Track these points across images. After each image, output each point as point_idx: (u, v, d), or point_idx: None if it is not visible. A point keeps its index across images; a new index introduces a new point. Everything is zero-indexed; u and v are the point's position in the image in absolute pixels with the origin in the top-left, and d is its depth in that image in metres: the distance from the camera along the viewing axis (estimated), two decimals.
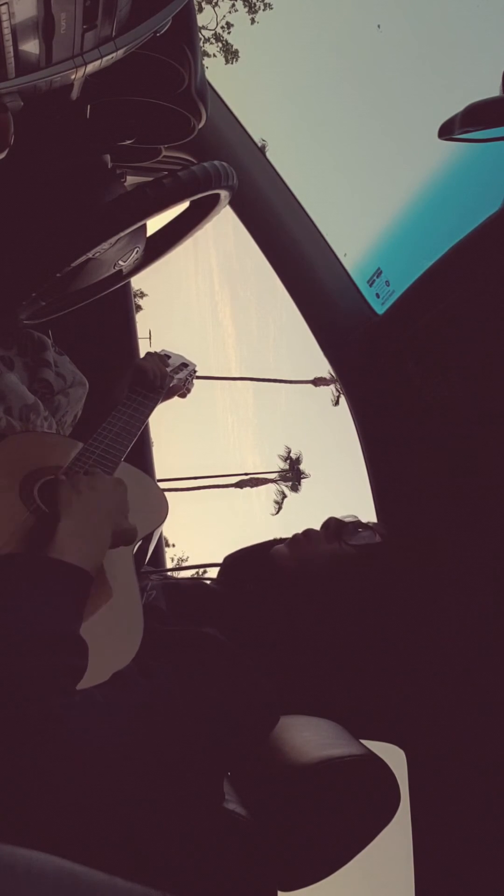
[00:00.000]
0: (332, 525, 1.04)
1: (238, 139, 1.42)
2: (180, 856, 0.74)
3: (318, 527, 1.06)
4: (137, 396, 1.19)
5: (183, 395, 1.42)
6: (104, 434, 1.06)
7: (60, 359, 1.27)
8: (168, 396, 1.36)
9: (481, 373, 1.04)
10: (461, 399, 1.09)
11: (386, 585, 0.99)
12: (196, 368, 1.43)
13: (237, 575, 1.07)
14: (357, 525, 1.04)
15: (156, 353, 1.35)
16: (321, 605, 0.97)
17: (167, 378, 1.27)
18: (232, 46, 12.83)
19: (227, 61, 12.93)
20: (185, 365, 1.39)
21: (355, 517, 1.07)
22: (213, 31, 12.52)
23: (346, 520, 1.05)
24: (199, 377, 1.46)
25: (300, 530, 1.06)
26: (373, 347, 1.30)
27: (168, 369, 1.33)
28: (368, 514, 1.30)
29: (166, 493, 1.12)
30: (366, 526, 1.05)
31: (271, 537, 1.09)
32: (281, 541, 1.06)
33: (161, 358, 1.32)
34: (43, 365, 1.22)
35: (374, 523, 1.08)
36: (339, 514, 1.07)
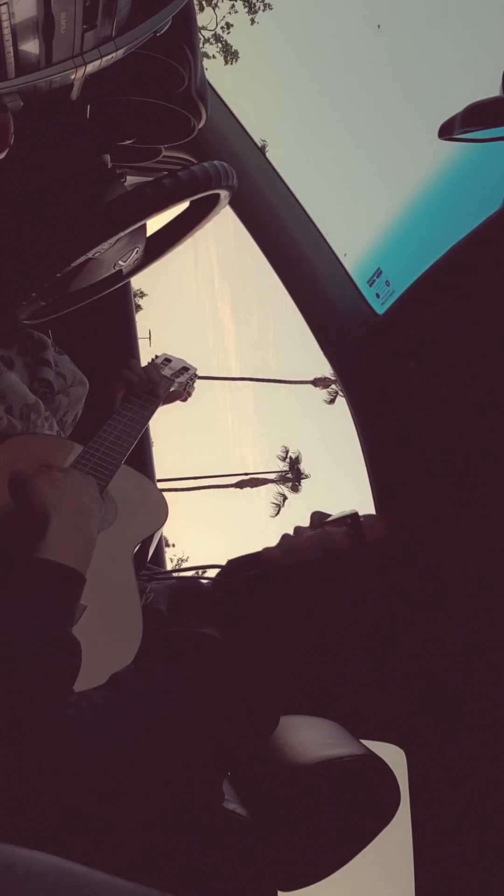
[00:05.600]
0: (316, 516, 1.08)
1: (238, 139, 1.42)
2: (181, 856, 0.74)
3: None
4: (136, 400, 1.19)
5: (184, 399, 1.42)
6: (104, 437, 1.06)
7: (60, 358, 1.27)
8: (169, 401, 1.35)
9: (481, 372, 1.04)
10: (461, 399, 1.09)
11: (380, 572, 1.00)
12: (197, 372, 1.42)
13: (233, 576, 1.07)
14: (341, 517, 1.06)
15: (151, 363, 1.35)
16: (314, 595, 0.97)
17: (160, 385, 1.25)
18: (232, 47, 12.82)
19: (226, 62, 12.92)
20: (185, 369, 1.39)
21: (354, 511, 1.07)
22: (212, 32, 12.52)
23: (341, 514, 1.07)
24: (199, 377, 1.46)
25: None
26: (373, 347, 1.30)
27: (169, 373, 1.32)
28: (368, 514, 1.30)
29: (166, 494, 1.12)
30: (351, 516, 1.05)
31: (273, 539, 1.10)
32: None
33: (155, 366, 1.31)
34: (43, 364, 1.22)
35: (365, 515, 1.08)
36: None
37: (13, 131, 0.78)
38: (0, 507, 0.86)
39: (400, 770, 0.98)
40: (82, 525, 0.79)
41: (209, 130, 1.22)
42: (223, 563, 1.12)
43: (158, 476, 1.91)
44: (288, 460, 17.74)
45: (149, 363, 1.35)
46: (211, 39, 12.53)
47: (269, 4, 12.63)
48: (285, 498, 17.69)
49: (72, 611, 0.71)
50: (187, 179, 0.97)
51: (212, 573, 1.11)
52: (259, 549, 1.08)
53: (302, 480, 17.74)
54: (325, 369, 15.79)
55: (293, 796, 0.84)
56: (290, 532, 1.08)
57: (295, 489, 17.75)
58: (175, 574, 1.27)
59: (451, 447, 1.12)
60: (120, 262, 1.13)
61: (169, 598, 0.97)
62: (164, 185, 0.95)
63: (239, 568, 1.08)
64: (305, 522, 1.09)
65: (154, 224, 1.17)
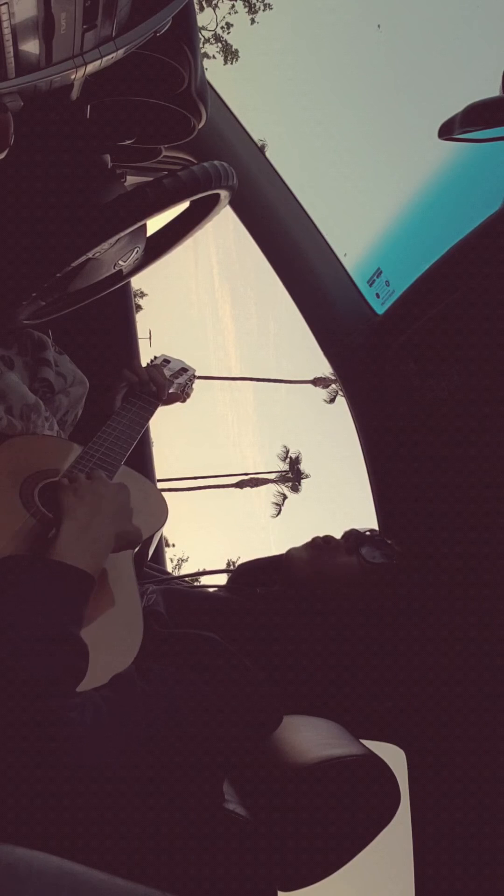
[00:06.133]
0: (352, 537, 1.05)
1: (238, 139, 1.42)
2: (181, 856, 0.74)
3: (326, 531, 1.07)
4: (136, 401, 1.19)
5: (183, 401, 1.42)
6: (104, 437, 1.05)
7: (60, 358, 1.27)
8: (168, 402, 1.35)
9: (481, 372, 1.04)
10: (461, 399, 1.09)
11: (394, 601, 1.00)
12: (195, 373, 1.42)
13: (248, 580, 1.08)
14: (375, 541, 1.05)
15: (150, 363, 1.35)
16: (328, 613, 0.97)
17: (163, 387, 1.25)
18: (232, 47, 12.82)
19: (226, 62, 12.92)
20: (184, 370, 1.39)
21: (375, 531, 1.07)
22: (212, 32, 12.52)
23: (366, 533, 1.06)
24: (199, 377, 1.46)
25: (307, 534, 1.07)
26: (373, 347, 1.30)
27: (168, 374, 1.32)
28: (368, 514, 1.31)
29: (166, 494, 1.12)
30: (383, 543, 1.05)
31: (273, 538, 1.10)
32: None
33: (157, 367, 1.31)
34: (43, 364, 1.22)
35: (390, 541, 1.07)
36: (339, 517, 1.08)
37: (13, 131, 0.78)
38: (5, 508, 0.86)
39: (400, 770, 0.98)
40: (94, 528, 0.79)
41: (209, 130, 1.22)
42: (223, 565, 1.12)
43: (158, 476, 1.91)
44: (288, 460, 17.75)
45: (149, 364, 1.35)
46: (211, 39, 12.53)
47: (269, 4, 12.62)
48: (285, 498, 17.70)
49: (80, 613, 0.71)
50: (187, 179, 0.97)
51: (210, 579, 1.11)
52: (262, 551, 1.08)
53: (302, 480, 17.75)
54: (325, 369, 15.80)
55: (293, 796, 0.84)
56: (319, 536, 1.05)
57: (295, 489, 17.76)
58: (176, 578, 1.27)
59: (451, 447, 1.12)
60: (120, 262, 1.13)
61: (169, 599, 0.97)
62: (164, 186, 0.95)
63: (256, 571, 1.08)
64: (306, 524, 1.08)
65: (154, 224, 1.17)
